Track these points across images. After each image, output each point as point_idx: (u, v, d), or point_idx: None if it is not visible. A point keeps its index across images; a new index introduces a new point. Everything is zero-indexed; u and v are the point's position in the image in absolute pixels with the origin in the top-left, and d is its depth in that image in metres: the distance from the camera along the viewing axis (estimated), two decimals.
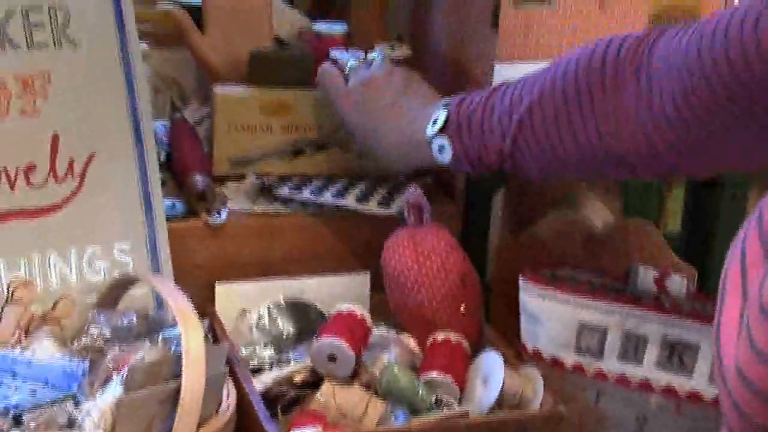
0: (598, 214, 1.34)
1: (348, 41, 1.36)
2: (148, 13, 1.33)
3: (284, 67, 1.28)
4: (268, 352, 1.13)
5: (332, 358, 1.04)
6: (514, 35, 1.20)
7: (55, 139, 1.08)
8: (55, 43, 1.07)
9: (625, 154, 0.96)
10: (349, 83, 1.18)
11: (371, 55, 1.22)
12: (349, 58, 1.22)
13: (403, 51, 1.32)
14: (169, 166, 1.26)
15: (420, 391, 1.02)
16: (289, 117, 1.28)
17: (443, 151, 1.07)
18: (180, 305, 0.95)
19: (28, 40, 1.06)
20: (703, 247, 1.35)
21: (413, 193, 1.15)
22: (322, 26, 1.36)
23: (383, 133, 1.13)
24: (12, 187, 1.06)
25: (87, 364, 0.93)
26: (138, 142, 1.13)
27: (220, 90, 1.27)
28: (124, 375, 0.88)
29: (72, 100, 1.09)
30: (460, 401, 1.05)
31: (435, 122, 1.08)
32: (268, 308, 1.18)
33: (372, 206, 1.22)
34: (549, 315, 1.10)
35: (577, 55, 1.01)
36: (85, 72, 1.09)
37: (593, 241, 1.26)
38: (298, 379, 1.06)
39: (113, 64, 1.11)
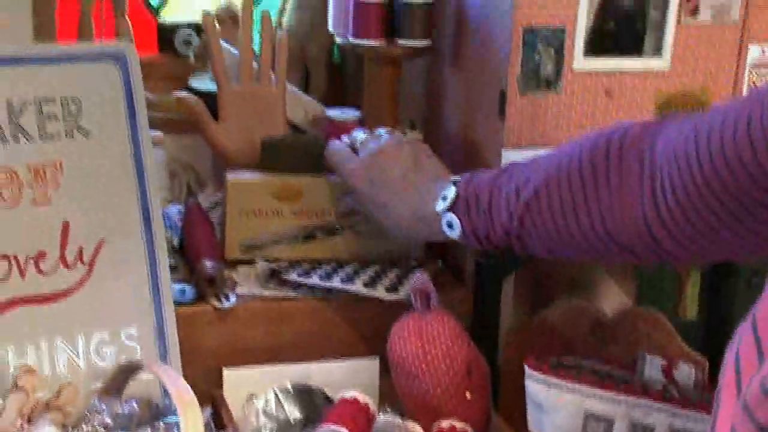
0: (612, 298, 1.33)
1: (361, 127, 1.38)
2: (163, 101, 1.36)
3: (296, 153, 1.30)
4: None
5: None
6: (520, 122, 1.21)
7: (66, 226, 1.10)
8: (67, 134, 1.10)
9: (627, 240, 0.96)
10: (359, 156, 1.20)
11: (380, 130, 1.24)
12: (358, 133, 1.24)
13: (414, 136, 1.34)
14: (181, 250, 1.28)
15: None
16: (300, 202, 1.29)
17: (452, 227, 1.09)
18: (180, 392, 0.95)
19: (41, 131, 1.09)
20: (719, 334, 1.33)
21: (420, 278, 1.15)
22: (335, 112, 1.39)
23: (393, 206, 1.15)
24: (22, 274, 1.08)
25: None
26: (147, 229, 1.15)
27: (232, 176, 1.29)
28: None
29: (83, 188, 1.11)
30: None
31: (444, 198, 1.09)
32: (275, 393, 1.19)
33: (380, 292, 1.22)
34: (554, 404, 1.09)
35: (583, 142, 1.02)
36: (96, 161, 1.12)
37: (602, 328, 1.25)
38: None
39: (124, 153, 1.13)
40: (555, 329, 1.26)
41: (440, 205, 1.09)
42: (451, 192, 1.09)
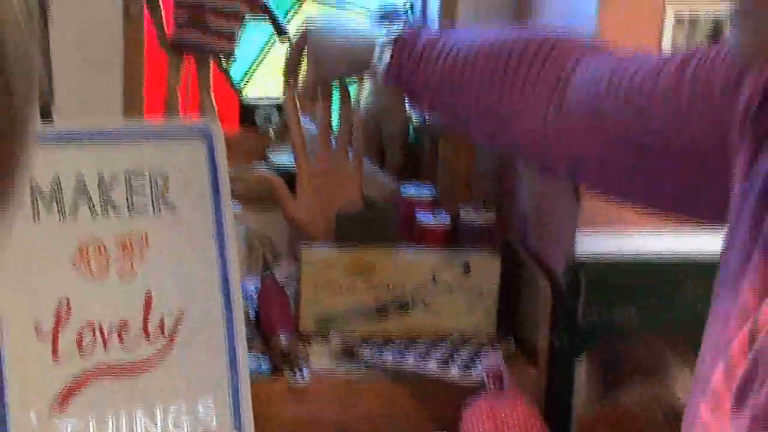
0: (687, 383, 1.32)
1: (434, 203, 1.39)
2: (243, 175, 1.39)
3: (370, 227, 1.32)
4: None
5: None
6: (595, 204, 1.21)
7: (149, 298, 1.13)
8: (153, 207, 1.13)
9: (521, 137, 1.00)
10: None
11: None
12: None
13: (487, 215, 1.35)
14: (257, 323, 1.30)
15: None
16: (374, 276, 1.31)
17: (382, 58, 1.12)
18: None
19: (129, 205, 1.12)
20: None
21: (493, 359, 1.16)
22: (409, 189, 1.41)
23: (339, 26, 1.22)
24: (105, 345, 1.10)
25: None
26: (226, 301, 1.17)
27: (307, 249, 1.31)
28: None
29: (166, 261, 1.14)
30: None
31: (388, 32, 1.14)
32: None
33: (454, 373, 1.22)
34: None
35: (520, 33, 1.06)
36: (180, 234, 1.14)
37: (677, 418, 1.23)
38: None
39: (207, 226, 1.16)
40: (629, 414, 1.25)
41: (381, 34, 1.14)
42: (395, 28, 1.13)
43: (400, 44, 1.12)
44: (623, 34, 1.16)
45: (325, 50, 1.22)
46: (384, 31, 1.14)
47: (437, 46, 1.09)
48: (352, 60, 1.20)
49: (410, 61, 1.11)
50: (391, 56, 1.12)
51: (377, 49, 1.13)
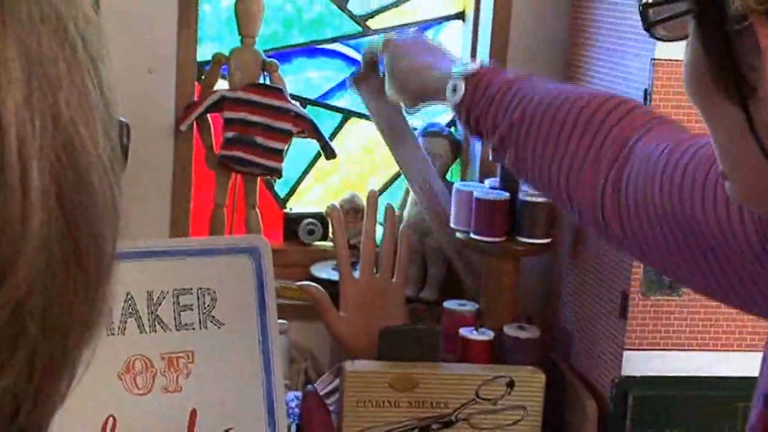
0: None
1: (478, 319, 1.39)
2: (286, 289, 1.39)
3: (413, 343, 1.31)
4: None
5: None
6: (642, 324, 1.21)
7: (193, 415, 1.12)
8: (200, 324, 1.14)
9: (580, 201, 0.98)
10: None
11: None
12: None
13: (531, 331, 1.35)
14: None
15: None
16: (417, 393, 1.30)
17: (455, 92, 1.10)
18: None
19: (177, 321, 1.13)
20: None
21: None
22: (453, 304, 1.41)
23: (414, 54, 1.20)
24: None
25: None
26: (270, 418, 1.16)
27: (350, 366, 1.31)
28: None
29: (212, 377, 1.14)
30: None
31: (464, 65, 1.11)
32: None
33: None
34: None
35: (593, 94, 1.03)
36: (226, 350, 1.15)
37: None
38: None
39: (253, 342, 1.16)
40: None
41: (457, 68, 1.11)
42: (472, 64, 1.11)
43: (475, 82, 1.10)
44: (675, 103, 1.17)
45: (402, 70, 1.22)
46: (460, 65, 1.13)
47: (511, 90, 1.07)
48: (425, 85, 1.19)
49: (483, 101, 1.09)
50: (465, 92, 1.10)
51: (451, 83, 1.11)
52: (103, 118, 0.36)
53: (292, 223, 1.51)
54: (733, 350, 1.21)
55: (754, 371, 1.20)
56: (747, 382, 1.22)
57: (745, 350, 1.22)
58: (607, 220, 0.96)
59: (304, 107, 1.49)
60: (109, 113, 0.37)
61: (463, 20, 1.58)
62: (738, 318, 1.22)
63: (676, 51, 1.17)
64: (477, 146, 1.53)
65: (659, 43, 1.15)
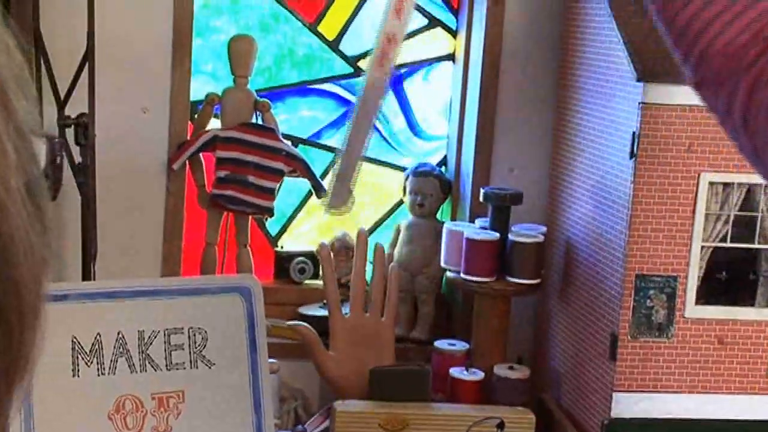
0: None
1: (468, 359, 1.39)
2: (277, 328, 1.40)
3: (403, 383, 1.31)
4: None
5: None
6: (631, 367, 1.21)
7: None
8: (191, 363, 1.14)
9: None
10: None
11: None
12: None
13: (522, 372, 1.35)
14: None
15: None
16: None
17: None
18: None
19: (167, 361, 1.13)
20: None
21: None
22: (443, 344, 1.41)
23: None
24: None
25: None
26: None
27: (340, 406, 1.30)
28: None
29: (202, 417, 1.13)
30: None
31: None
32: None
33: None
34: None
35: None
36: (216, 390, 1.14)
37: None
38: None
39: (243, 382, 1.16)
40: None
41: None
42: None
43: None
44: (658, 198, 1.18)
45: None
46: None
47: None
48: None
49: None
50: None
51: None
52: (15, 162, 0.34)
53: (284, 261, 1.52)
54: (722, 393, 1.22)
55: (742, 414, 1.21)
56: (735, 425, 1.22)
57: (734, 393, 1.23)
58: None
59: (296, 146, 1.50)
60: (26, 149, 0.35)
61: (453, 61, 1.60)
62: (727, 360, 1.23)
63: (662, 95, 1.19)
64: (468, 185, 1.54)
65: (646, 87, 1.16)
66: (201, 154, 1.43)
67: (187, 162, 1.42)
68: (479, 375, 1.35)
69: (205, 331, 1.16)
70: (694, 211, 1.18)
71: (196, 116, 1.45)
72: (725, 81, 0.84)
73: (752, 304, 1.22)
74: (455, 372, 1.35)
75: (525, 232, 1.37)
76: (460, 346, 1.40)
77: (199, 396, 1.15)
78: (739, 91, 0.82)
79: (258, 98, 1.44)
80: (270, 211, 1.41)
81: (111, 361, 1.11)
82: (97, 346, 1.09)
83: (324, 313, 1.40)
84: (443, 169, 1.56)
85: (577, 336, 1.32)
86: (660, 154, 1.20)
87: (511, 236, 1.37)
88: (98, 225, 1.31)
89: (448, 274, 1.46)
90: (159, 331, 1.14)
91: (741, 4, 0.83)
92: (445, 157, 1.59)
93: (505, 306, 1.40)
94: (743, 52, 0.83)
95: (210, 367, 1.16)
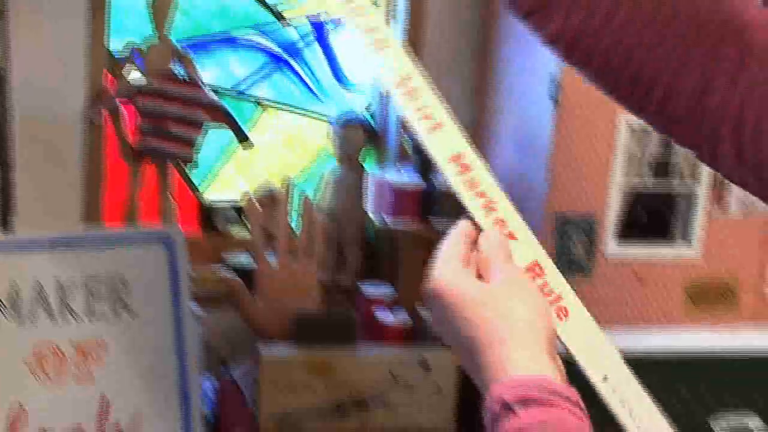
0: None
1: (394, 302, 1.41)
2: (203, 277, 1.39)
3: (328, 327, 1.32)
4: None
5: None
6: None
7: (105, 402, 1.12)
8: (113, 313, 1.13)
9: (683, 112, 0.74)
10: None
11: None
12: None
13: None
14: (215, 424, 1.29)
15: None
16: (333, 376, 1.31)
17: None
18: None
19: (88, 310, 1.12)
20: None
21: None
22: (368, 288, 1.42)
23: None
24: None
25: None
26: (185, 404, 1.17)
27: (266, 351, 1.31)
28: None
29: (125, 366, 1.14)
30: None
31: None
32: None
33: None
34: None
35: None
36: (139, 339, 1.15)
37: None
38: None
39: (167, 331, 1.16)
40: None
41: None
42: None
43: None
44: (578, 141, 1.19)
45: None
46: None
47: None
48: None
49: None
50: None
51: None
52: None
53: (209, 211, 1.51)
54: (640, 326, 1.25)
55: (661, 345, 1.23)
56: (653, 357, 1.25)
57: (651, 325, 1.25)
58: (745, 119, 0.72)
59: (222, 97, 1.48)
60: None
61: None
62: (645, 297, 1.25)
63: None
64: (392, 133, 1.54)
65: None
66: (121, 105, 1.41)
67: (106, 113, 1.40)
68: (404, 317, 1.36)
69: (127, 281, 1.16)
70: (613, 154, 1.20)
71: (114, 66, 1.43)
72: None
73: (670, 245, 1.25)
74: (380, 315, 1.36)
75: None
76: (385, 289, 1.42)
77: (122, 345, 1.15)
78: None
79: (179, 48, 1.43)
80: (192, 160, 1.40)
81: (29, 311, 1.10)
82: (14, 296, 1.08)
83: (250, 262, 1.40)
84: (368, 116, 1.57)
85: None
86: (581, 98, 1.21)
87: (435, 183, 1.39)
88: (17, 178, 1.30)
89: (374, 219, 1.47)
90: (79, 282, 1.13)
91: None
92: (371, 105, 1.60)
93: (428, 249, 1.41)
94: None
95: (132, 317, 1.16)
